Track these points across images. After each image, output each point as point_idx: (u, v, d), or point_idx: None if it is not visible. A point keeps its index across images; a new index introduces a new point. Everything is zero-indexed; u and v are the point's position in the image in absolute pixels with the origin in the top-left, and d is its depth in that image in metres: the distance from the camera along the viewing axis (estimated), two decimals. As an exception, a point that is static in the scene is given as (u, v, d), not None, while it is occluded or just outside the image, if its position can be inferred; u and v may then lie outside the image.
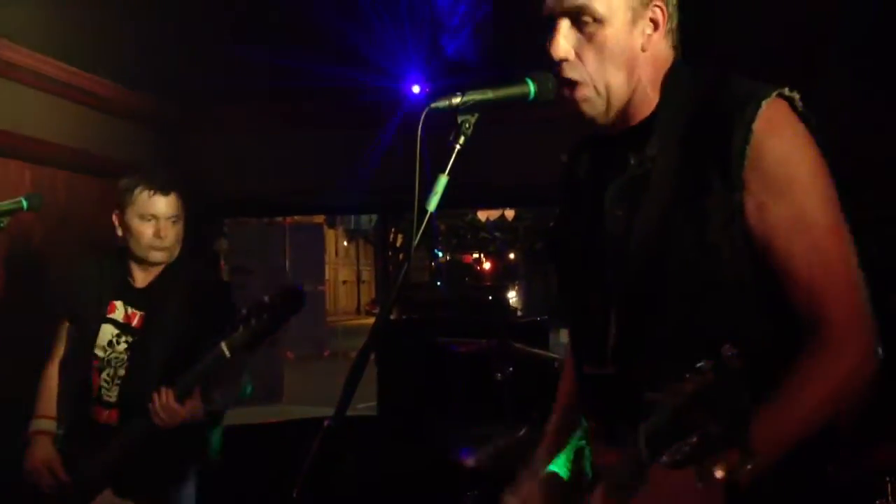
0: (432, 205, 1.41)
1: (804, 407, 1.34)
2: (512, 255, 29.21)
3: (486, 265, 30.10)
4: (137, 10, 3.68)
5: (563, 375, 1.84)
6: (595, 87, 1.50)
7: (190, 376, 2.56)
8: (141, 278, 2.84)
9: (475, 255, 29.95)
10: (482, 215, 23.55)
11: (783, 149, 1.39)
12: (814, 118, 1.45)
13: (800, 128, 1.42)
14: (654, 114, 1.52)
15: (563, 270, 1.70)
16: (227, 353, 2.48)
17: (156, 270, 2.84)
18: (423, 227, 1.40)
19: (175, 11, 3.78)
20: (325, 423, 1.36)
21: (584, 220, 1.60)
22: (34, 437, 2.79)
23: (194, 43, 3.98)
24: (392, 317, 2.83)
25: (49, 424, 2.82)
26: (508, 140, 4.23)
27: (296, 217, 15.28)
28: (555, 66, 1.51)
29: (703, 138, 1.44)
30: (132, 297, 2.82)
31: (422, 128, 1.41)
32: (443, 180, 1.43)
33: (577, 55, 1.49)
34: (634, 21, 1.49)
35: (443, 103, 1.43)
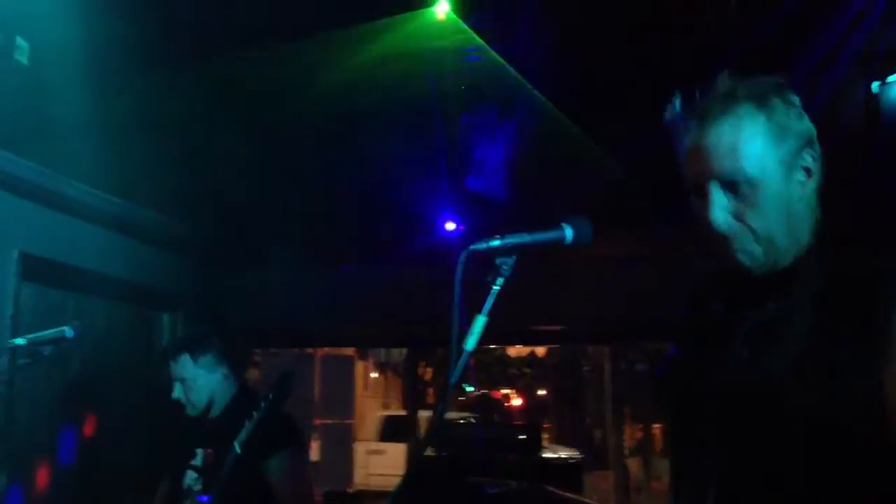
0: (470, 344, 1.42)
1: None
2: (542, 392, 28.74)
3: (516, 401, 29.62)
4: (182, 148, 3.84)
5: None
6: (757, 240, 1.46)
7: (218, 483, 2.73)
8: (209, 421, 3.04)
9: (504, 391, 29.53)
10: (512, 351, 23.36)
11: None
12: None
13: None
14: (798, 261, 1.49)
15: (678, 412, 1.63)
16: (238, 450, 2.66)
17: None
18: (460, 367, 1.41)
19: (217, 153, 3.94)
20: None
21: (709, 361, 1.54)
22: None
23: (234, 181, 4.12)
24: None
25: None
26: (544, 280, 4.27)
27: (326, 348, 15.28)
28: (709, 227, 1.48)
29: (845, 300, 1.40)
30: (204, 439, 3.03)
31: (460, 269, 1.44)
32: (481, 320, 1.44)
33: (736, 216, 1.46)
34: (788, 174, 1.47)
35: (482, 246, 1.46)
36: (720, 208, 1.46)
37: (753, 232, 1.46)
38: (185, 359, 3.04)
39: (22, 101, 3.09)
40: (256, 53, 3.55)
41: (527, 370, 27.17)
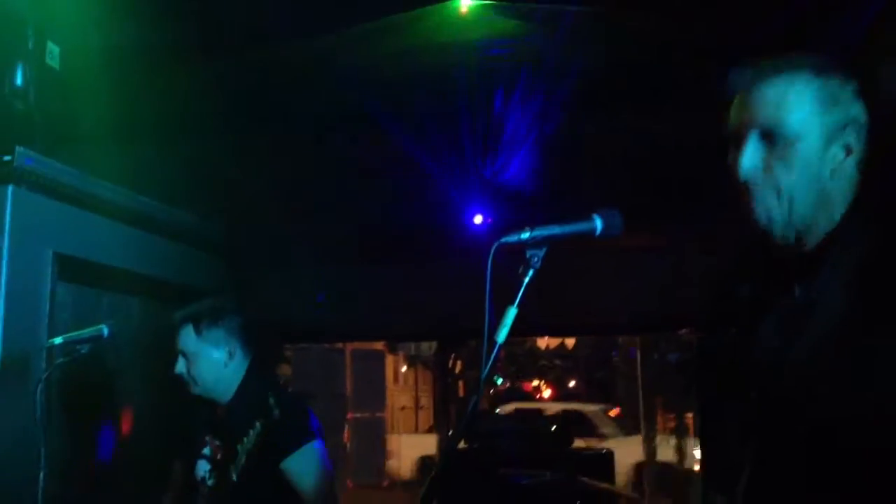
0: (502, 336, 1.43)
1: None
2: (572, 384, 28.67)
3: (546, 393, 29.58)
4: (210, 146, 3.88)
5: None
6: (778, 195, 1.45)
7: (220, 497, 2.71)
8: (220, 409, 2.88)
9: (535, 383, 29.50)
10: (541, 343, 23.33)
11: None
12: None
13: None
14: (828, 243, 1.46)
15: (710, 400, 1.67)
16: (234, 478, 2.62)
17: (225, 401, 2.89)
18: (492, 359, 1.42)
19: (244, 149, 3.97)
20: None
21: (740, 348, 1.55)
22: None
23: (263, 178, 4.15)
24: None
25: None
26: (573, 271, 4.26)
27: (357, 343, 15.34)
28: (738, 177, 1.48)
29: (874, 285, 1.37)
30: (216, 429, 2.90)
31: (490, 261, 1.45)
32: (512, 312, 1.45)
33: (765, 168, 1.46)
34: (828, 144, 1.45)
35: (512, 238, 1.47)
36: (751, 156, 1.46)
37: (777, 187, 1.45)
38: (189, 330, 2.82)
39: (54, 105, 3.13)
40: (280, 51, 3.58)
41: (557, 361, 27.11)
